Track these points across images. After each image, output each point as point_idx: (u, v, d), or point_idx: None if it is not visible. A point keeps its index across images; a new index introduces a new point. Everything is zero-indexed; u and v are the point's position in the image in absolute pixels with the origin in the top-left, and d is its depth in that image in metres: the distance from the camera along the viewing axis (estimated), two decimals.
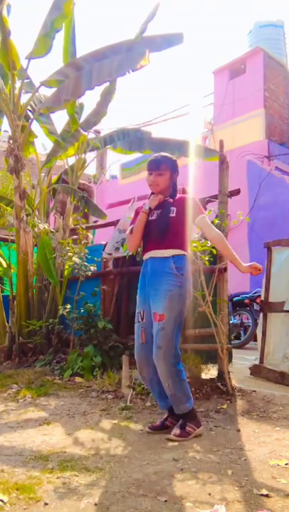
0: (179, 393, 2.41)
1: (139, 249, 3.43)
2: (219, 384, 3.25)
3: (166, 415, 2.57)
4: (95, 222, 6.70)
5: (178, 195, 2.63)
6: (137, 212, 2.66)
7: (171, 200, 2.57)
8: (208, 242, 3.18)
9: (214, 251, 3.23)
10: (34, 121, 5.34)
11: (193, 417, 2.46)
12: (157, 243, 2.51)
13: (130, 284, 4.21)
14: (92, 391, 3.38)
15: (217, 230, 2.63)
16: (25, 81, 5.25)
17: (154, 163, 2.56)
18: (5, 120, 5.25)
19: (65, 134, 5.65)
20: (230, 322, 4.66)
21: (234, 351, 4.15)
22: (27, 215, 5.03)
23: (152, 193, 2.64)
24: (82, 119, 5.72)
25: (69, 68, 4.90)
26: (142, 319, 2.52)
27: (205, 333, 3.46)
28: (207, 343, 3.48)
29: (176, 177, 2.64)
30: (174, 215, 2.52)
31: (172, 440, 2.34)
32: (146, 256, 2.56)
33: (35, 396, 3.31)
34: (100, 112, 5.69)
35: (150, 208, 2.55)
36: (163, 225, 2.50)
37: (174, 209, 2.53)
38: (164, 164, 2.56)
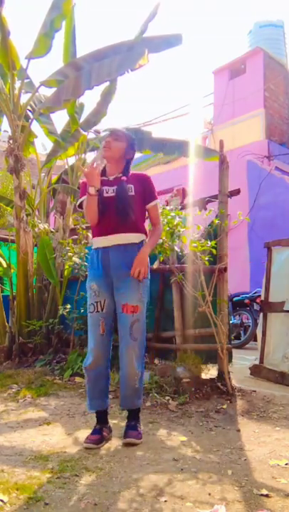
0: (141, 386, 2.39)
1: None
2: (219, 384, 3.25)
3: (96, 425, 2.40)
4: None
5: (131, 172, 2.47)
6: (83, 185, 2.43)
7: (124, 177, 2.40)
8: (208, 242, 3.18)
9: (214, 251, 3.23)
10: (34, 121, 5.34)
11: (138, 416, 2.45)
12: (118, 225, 2.32)
13: None
14: None
15: (161, 225, 2.61)
16: (25, 81, 5.26)
17: (112, 129, 2.45)
18: (5, 120, 5.25)
19: (65, 134, 5.65)
20: (230, 322, 4.66)
21: (234, 351, 4.15)
22: (27, 215, 5.03)
23: (104, 170, 2.45)
24: (82, 119, 5.73)
25: (69, 68, 4.91)
26: (102, 309, 2.36)
27: (205, 333, 3.46)
28: (207, 343, 3.48)
29: (131, 154, 2.47)
30: (132, 193, 2.36)
31: (135, 444, 2.26)
32: (105, 242, 2.36)
33: (35, 396, 3.31)
34: (100, 112, 5.70)
35: (97, 190, 2.31)
36: (124, 204, 2.32)
37: (131, 186, 2.37)
38: (121, 133, 2.42)
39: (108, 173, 2.45)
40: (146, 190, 2.44)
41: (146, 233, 2.45)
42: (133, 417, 2.40)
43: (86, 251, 4.34)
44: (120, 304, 2.35)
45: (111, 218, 2.34)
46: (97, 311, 2.37)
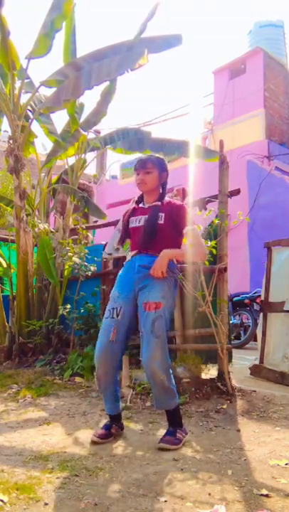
0: (171, 387, 2.30)
1: None
2: (219, 384, 3.25)
3: (107, 421, 2.44)
4: (95, 222, 6.70)
5: (167, 199, 2.52)
6: (125, 216, 2.61)
7: (159, 203, 2.47)
8: (208, 242, 3.18)
9: (214, 251, 3.23)
10: (34, 121, 5.34)
11: (180, 422, 2.37)
12: (144, 249, 2.41)
13: None
14: (92, 391, 3.38)
15: (204, 244, 2.54)
16: (25, 81, 5.25)
17: (140, 161, 2.46)
18: (5, 120, 5.25)
19: (65, 134, 5.65)
20: (230, 322, 4.66)
21: (234, 351, 4.16)
22: (27, 215, 5.03)
23: (141, 196, 2.56)
24: (82, 119, 5.73)
25: (69, 68, 4.91)
26: (117, 315, 2.34)
27: (205, 333, 3.46)
28: (207, 343, 3.48)
29: (165, 177, 2.50)
30: (162, 221, 2.40)
31: (165, 449, 2.21)
32: (134, 254, 2.46)
33: (35, 396, 3.31)
34: (100, 112, 5.69)
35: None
36: (150, 232, 2.39)
37: (162, 215, 2.41)
38: (150, 163, 2.44)
39: (146, 200, 2.54)
40: (178, 219, 2.42)
41: None
42: (171, 420, 2.35)
43: (86, 251, 4.34)
44: (142, 303, 2.31)
45: (137, 243, 2.45)
46: (112, 317, 2.34)
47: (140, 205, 2.56)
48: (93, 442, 2.29)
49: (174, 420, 2.35)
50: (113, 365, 2.34)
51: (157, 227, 2.39)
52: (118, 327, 2.32)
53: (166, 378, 2.26)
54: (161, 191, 2.51)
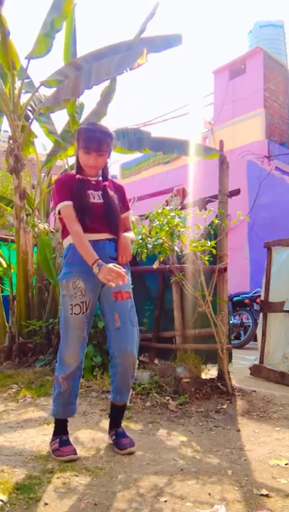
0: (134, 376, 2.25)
1: (138, 250, 3.43)
2: (219, 384, 3.25)
3: (64, 436, 2.19)
4: None
5: (108, 178, 2.30)
6: (63, 187, 2.18)
7: (105, 182, 2.25)
8: (208, 242, 3.18)
9: (214, 251, 3.23)
10: (34, 121, 5.34)
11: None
12: (109, 232, 2.20)
13: None
14: (92, 391, 3.38)
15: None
16: (25, 81, 5.26)
17: (95, 142, 2.12)
18: (5, 120, 5.25)
19: (65, 134, 5.65)
20: (230, 322, 4.66)
21: (234, 351, 4.16)
22: (27, 215, 5.03)
23: (78, 175, 2.22)
24: (82, 119, 5.73)
25: (69, 68, 4.91)
26: (86, 310, 2.15)
27: (205, 333, 3.47)
28: (207, 343, 3.48)
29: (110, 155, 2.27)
30: (116, 201, 2.25)
31: (133, 452, 2.16)
32: (96, 237, 2.16)
33: (35, 396, 3.31)
34: (100, 112, 5.69)
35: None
36: (114, 212, 2.21)
37: (114, 196, 2.25)
38: (106, 144, 2.15)
39: (88, 174, 2.24)
40: (122, 200, 2.32)
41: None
42: (120, 419, 2.29)
43: None
44: (111, 292, 2.16)
45: (99, 225, 2.17)
46: (83, 313, 2.15)
47: (83, 177, 2.23)
48: (72, 460, 2.06)
49: (122, 417, 2.33)
50: (82, 361, 2.22)
51: (117, 210, 2.23)
52: (87, 322, 2.19)
53: (135, 366, 2.23)
54: (104, 167, 2.28)
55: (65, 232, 2.25)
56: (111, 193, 2.24)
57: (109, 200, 2.21)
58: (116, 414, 2.32)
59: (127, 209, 2.37)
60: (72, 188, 2.16)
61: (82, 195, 2.16)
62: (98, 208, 2.17)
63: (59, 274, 4.58)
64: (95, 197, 2.19)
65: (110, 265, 2.01)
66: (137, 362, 2.26)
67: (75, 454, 2.09)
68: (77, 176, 2.21)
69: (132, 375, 2.21)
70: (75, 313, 2.14)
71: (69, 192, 2.16)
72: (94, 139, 2.12)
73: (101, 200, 2.20)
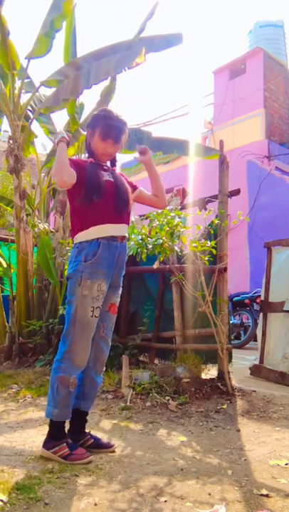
0: None
1: (138, 250, 3.43)
2: (219, 384, 3.25)
3: (68, 440, 2.11)
4: None
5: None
6: (77, 160, 2.22)
7: (114, 167, 2.28)
8: (208, 242, 3.18)
9: (214, 251, 3.23)
10: (34, 121, 5.35)
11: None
12: (119, 214, 2.15)
13: (130, 284, 4.21)
14: None
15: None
16: (25, 81, 5.26)
17: (116, 130, 2.13)
18: (5, 120, 5.26)
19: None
20: (230, 322, 4.66)
21: (234, 351, 4.16)
22: (27, 215, 5.03)
23: (92, 153, 2.22)
24: (82, 119, 5.73)
25: (68, 68, 4.91)
26: (98, 315, 2.13)
27: (205, 333, 3.46)
28: (207, 343, 3.48)
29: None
30: (127, 185, 2.24)
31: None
32: (116, 231, 2.12)
33: (35, 396, 3.31)
34: None
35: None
36: (125, 193, 2.19)
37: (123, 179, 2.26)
38: (123, 134, 2.17)
39: (99, 160, 2.24)
40: (128, 183, 2.31)
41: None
42: (85, 421, 2.26)
43: None
44: (108, 302, 2.18)
45: (111, 206, 2.11)
46: (96, 317, 2.10)
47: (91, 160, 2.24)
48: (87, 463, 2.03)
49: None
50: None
51: (128, 189, 2.22)
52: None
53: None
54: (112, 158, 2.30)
55: (77, 226, 2.15)
56: (119, 175, 2.27)
57: (119, 179, 2.20)
58: (83, 421, 2.24)
59: (136, 186, 2.35)
60: (83, 166, 2.12)
61: (96, 172, 2.13)
62: (110, 185, 2.14)
63: (59, 274, 4.63)
64: (106, 176, 2.16)
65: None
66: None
67: (90, 454, 2.07)
68: (90, 160, 2.22)
69: (98, 386, 2.27)
70: (95, 316, 2.09)
71: (77, 165, 2.10)
72: (113, 127, 2.11)
73: (112, 179, 2.17)
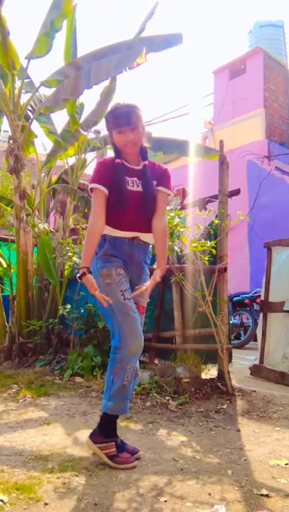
0: None
1: None
2: (219, 384, 3.25)
3: (114, 438, 2.07)
4: None
5: (152, 161, 2.18)
6: (102, 168, 2.08)
7: (146, 162, 2.11)
8: (208, 242, 3.18)
9: (214, 251, 3.23)
10: (34, 121, 5.34)
11: None
12: (142, 225, 2.09)
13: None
14: (92, 391, 3.38)
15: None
16: (25, 81, 5.26)
17: (125, 116, 2.01)
18: (5, 120, 5.25)
19: (65, 134, 5.65)
20: (230, 322, 4.66)
21: (234, 351, 4.16)
22: (27, 215, 5.03)
23: (117, 159, 2.08)
24: (82, 119, 5.73)
25: (69, 68, 4.91)
26: (130, 298, 2.05)
27: (205, 333, 3.47)
28: (207, 343, 3.48)
29: (144, 129, 2.11)
30: (155, 191, 2.12)
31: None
32: (129, 235, 2.08)
33: (35, 396, 3.31)
34: (100, 112, 5.69)
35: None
36: (151, 206, 2.07)
37: (154, 183, 2.11)
38: (135, 116, 2.02)
39: (128, 153, 2.10)
40: (163, 179, 2.16)
41: None
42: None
43: None
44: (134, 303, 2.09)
45: (134, 216, 2.06)
46: (129, 299, 2.02)
47: (124, 163, 2.11)
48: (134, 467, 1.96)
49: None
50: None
51: (155, 200, 2.09)
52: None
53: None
54: (141, 148, 2.10)
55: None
56: (151, 181, 2.09)
57: (148, 190, 2.07)
58: (115, 422, 2.16)
59: (166, 186, 2.17)
60: (111, 173, 2.05)
61: (121, 180, 2.03)
62: (135, 197, 2.05)
63: (59, 274, 4.63)
64: (134, 184, 2.07)
65: (92, 279, 1.98)
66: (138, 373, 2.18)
67: (134, 459, 2.00)
68: (117, 161, 2.07)
69: (135, 385, 2.16)
70: (127, 298, 2.02)
71: (106, 176, 2.04)
72: (121, 114, 2.02)
73: (140, 189, 2.07)
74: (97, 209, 2.04)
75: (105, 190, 2.03)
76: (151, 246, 2.21)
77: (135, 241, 2.09)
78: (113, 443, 2.00)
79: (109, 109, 2.12)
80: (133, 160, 2.11)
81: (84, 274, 1.97)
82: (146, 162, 2.10)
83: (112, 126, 2.06)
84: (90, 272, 2.01)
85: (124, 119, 2.01)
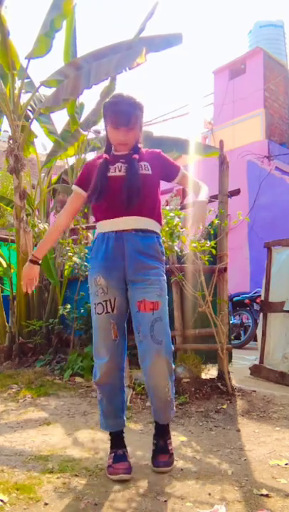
0: (173, 397, 1.97)
1: None
2: (219, 384, 3.25)
3: (115, 449, 1.98)
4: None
5: (143, 149, 2.07)
6: (85, 170, 2.07)
7: (136, 155, 1.98)
8: (208, 242, 3.18)
9: (214, 251, 3.23)
10: (34, 121, 5.35)
11: (169, 431, 2.06)
12: (131, 207, 1.92)
13: None
14: (92, 391, 3.38)
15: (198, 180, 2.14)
16: (25, 81, 5.26)
17: (124, 116, 1.92)
18: (5, 120, 5.25)
19: (65, 134, 5.65)
20: (230, 322, 4.66)
21: (234, 351, 4.16)
22: (27, 215, 5.03)
23: (106, 155, 2.02)
24: (82, 119, 5.73)
25: (68, 68, 4.92)
26: (112, 310, 1.93)
27: (205, 333, 3.47)
28: (207, 343, 3.48)
29: (142, 127, 2.05)
30: (149, 172, 1.97)
31: (166, 472, 1.93)
32: (119, 225, 1.94)
33: (35, 396, 3.31)
34: (100, 112, 5.69)
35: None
36: (138, 184, 1.91)
37: (146, 164, 1.98)
38: (134, 117, 1.93)
39: (116, 150, 2.04)
40: (166, 165, 2.07)
41: (161, 222, 2.08)
42: (162, 433, 2.02)
43: (86, 251, 4.34)
44: (136, 301, 1.91)
45: (120, 200, 1.91)
46: (107, 312, 1.92)
47: (111, 154, 2.04)
48: (119, 480, 1.84)
49: (166, 431, 2.04)
50: (120, 367, 1.97)
51: (145, 179, 1.95)
52: (117, 323, 1.94)
53: (170, 387, 1.93)
54: (135, 144, 2.03)
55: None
56: (140, 164, 1.97)
57: (131, 173, 1.93)
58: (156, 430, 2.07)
59: (177, 170, 2.09)
60: (92, 170, 2.01)
61: (102, 171, 1.96)
62: (116, 182, 1.93)
63: (59, 274, 4.63)
64: (116, 170, 1.96)
65: (29, 270, 2.06)
66: (169, 384, 1.92)
67: (128, 473, 1.85)
68: (104, 156, 2.02)
69: (159, 396, 1.93)
70: (98, 313, 1.95)
71: (87, 176, 2.03)
72: (121, 112, 1.92)
73: (122, 173, 1.95)
74: (66, 207, 2.11)
75: (81, 191, 2.06)
76: (155, 235, 2.00)
77: (125, 233, 1.93)
78: (113, 453, 1.96)
79: (110, 98, 2.03)
80: (122, 151, 2.03)
81: (28, 262, 2.08)
82: (136, 156, 2.00)
83: (108, 120, 1.98)
84: (35, 263, 2.08)
85: (122, 118, 1.92)
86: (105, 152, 2.06)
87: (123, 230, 1.93)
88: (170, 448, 2.01)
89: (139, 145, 2.05)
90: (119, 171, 1.96)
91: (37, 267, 2.10)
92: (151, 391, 1.94)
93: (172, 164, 2.11)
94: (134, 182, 1.91)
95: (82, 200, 2.08)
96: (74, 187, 2.09)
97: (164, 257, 2.05)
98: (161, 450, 1.98)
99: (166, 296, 1.97)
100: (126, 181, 1.92)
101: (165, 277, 2.00)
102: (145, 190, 1.93)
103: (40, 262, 2.10)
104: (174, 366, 1.98)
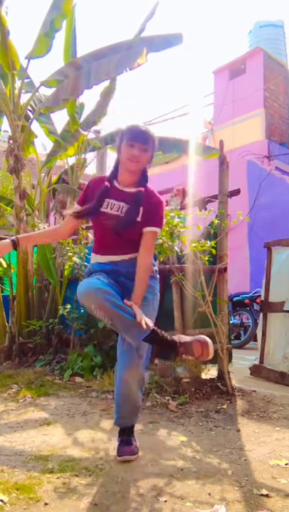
0: (141, 403, 2.20)
1: None
2: (219, 384, 3.25)
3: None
4: None
5: (149, 188, 2.10)
6: (85, 192, 2.13)
7: (142, 189, 2.04)
8: (208, 242, 3.18)
9: (214, 251, 3.23)
10: (34, 121, 5.34)
11: (133, 430, 2.21)
12: (118, 249, 2.05)
13: None
14: (92, 391, 3.38)
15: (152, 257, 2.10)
16: (25, 81, 5.26)
17: (141, 134, 2.01)
18: (5, 120, 5.25)
19: (65, 134, 5.65)
20: (230, 322, 4.66)
21: (234, 351, 4.16)
22: (27, 215, 5.03)
23: (115, 172, 2.08)
24: (82, 119, 5.73)
25: (68, 68, 4.91)
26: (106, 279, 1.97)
27: (205, 333, 3.46)
28: None
29: (152, 159, 2.10)
30: (139, 219, 2.00)
31: (131, 460, 2.05)
32: (109, 259, 2.07)
33: (35, 396, 3.31)
34: (100, 112, 5.69)
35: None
36: (127, 227, 1.99)
37: (141, 210, 2.01)
38: (151, 139, 2.03)
39: (121, 181, 2.07)
40: (154, 214, 2.05)
41: None
42: (128, 433, 2.15)
43: (86, 251, 4.34)
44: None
45: (111, 240, 2.05)
46: (98, 279, 1.93)
47: (115, 184, 2.07)
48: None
49: (132, 430, 2.17)
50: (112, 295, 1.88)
51: (136, 226, 2.00)
52: (112, 289, 1.91)
53: (140, 399, 2.13)
54: (142, 174, 2.08)
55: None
56: (137, 208, 2.01)
57: (127, 215, 1.99)
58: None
59: (157, 225, 2.05)
60: (93, 193, 2.06)
61: (99, 201, 2.01)
62: (108, 219, 2.00)
63: (59, 274, 4.63)
64: (114, 207, 2.01)
65: (3, 244, 2.04)
66: (140, 396, 2.12)
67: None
68: (106, 183, 2.06)
69: (131, 405, 2.09)
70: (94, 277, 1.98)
71: (90, 196, 2.08)
72: (141, 132, 2.02)
73: (117, 213, 2.00)
74: (67, 221, 2.16)
75: (77, 207, 2.13)
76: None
77: (118, 262, 2.06)
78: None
79: (128, 125, 2.09)
80: (128, 181, 2.06)
81: (9, 239, 2.07)
82: (143, 189, 2.05)
83: (125, 137, 2.01)
84: (14, 244, 2.04)
85: (141, 136, 2.01)
86: (110, 177, 2.09)
87: (116, 261, 2.06)
88: (133, 441, 2.13)
89: (146, 180, 2.09)
90: (118, 210, 2.01)
91: (10, 248, 2.05)
92: (120, 398, 2.09)
93: (159, 219, 2.07)
94: (127, 225, 1.99)
95: (81, 221, 2.20)
96: (74, 205, 2.18)
97: (156, 268, 2.14)
98: (126, 443, 2.11)
99: (156, 310, 2.15)
100: (116, 222, 1.99)
101: (158, 295, 2.15)
102: (133, 237, 2.03)
103: (17, 248, 2.07)
104: (144, 381, 2.15)
